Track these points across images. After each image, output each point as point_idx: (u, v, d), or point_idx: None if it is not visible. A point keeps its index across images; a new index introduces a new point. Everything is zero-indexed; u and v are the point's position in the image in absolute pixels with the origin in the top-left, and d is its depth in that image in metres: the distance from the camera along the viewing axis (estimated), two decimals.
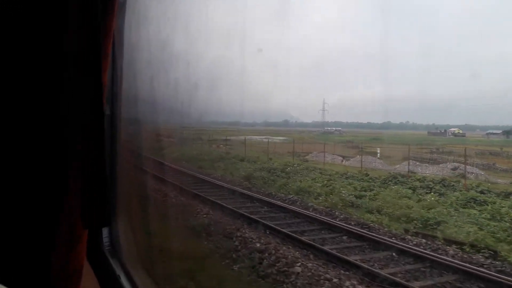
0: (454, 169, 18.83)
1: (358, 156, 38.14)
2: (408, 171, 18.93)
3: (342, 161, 29.05)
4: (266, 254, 7.45)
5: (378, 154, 25.53)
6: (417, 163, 30.29)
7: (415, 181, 15.81)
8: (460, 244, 8.56)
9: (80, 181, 1.34)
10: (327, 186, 14.94)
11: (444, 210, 11.46)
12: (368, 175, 17.34)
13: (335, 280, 6.40)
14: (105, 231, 2.74)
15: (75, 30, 1.30)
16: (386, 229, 9.84)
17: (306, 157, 29.28)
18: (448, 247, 8.28)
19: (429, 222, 10.32)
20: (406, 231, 9.69)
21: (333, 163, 26.09)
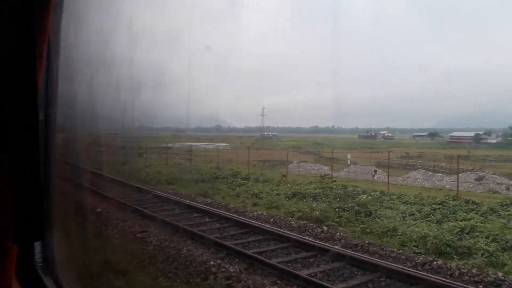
0: (479, 179, 18.32)
1: (351, 166, 38.41)
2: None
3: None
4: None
5: (349, 161, 26.26)
6: (430, 172, 30.82)
7: None
8: None
9: (11, 191, 1.25)
10: None
11: None
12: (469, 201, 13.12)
13: None
14: (37, 246, 2.55)
15: (8, 29, 1.22)
16: None
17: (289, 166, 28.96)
18: None
19: None
20: None
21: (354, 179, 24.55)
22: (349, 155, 48.25)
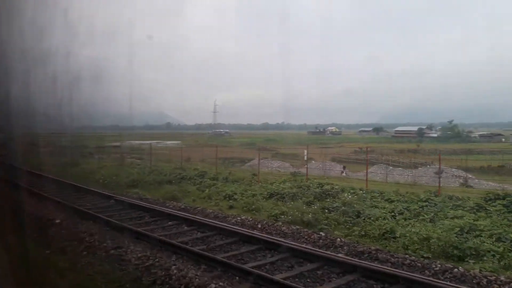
0: (439, 172, 18.45)
1: (313, 161, 37.65)
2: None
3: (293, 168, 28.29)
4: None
5: (305, 157, 25.68)
6: (390, 167, 30.79)
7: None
8: None
9: None
10: None
11: None
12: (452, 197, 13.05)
13: None
14: None
15: None
16: None
17: (249, 163, 27.75)
18: None
19: None
20: None
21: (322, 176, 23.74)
22: (305, 151, 48.03)
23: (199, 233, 9.70)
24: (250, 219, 10.86)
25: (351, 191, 14.39)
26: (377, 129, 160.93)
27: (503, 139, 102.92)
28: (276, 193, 14.44)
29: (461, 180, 25.09)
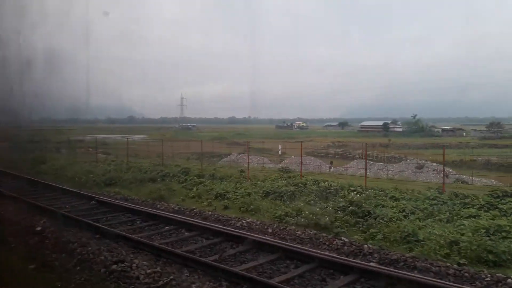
0: (420, 167, 17.99)
1: (293, 156, 36.43)
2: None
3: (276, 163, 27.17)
4: None
5: (280, 152, 24.79)
6: (371, 162, 30.07)
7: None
8: None
9: None
10: None
11: None
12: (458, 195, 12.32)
13: None
14: None
15: None
16: None
17: (225, 159, 26.41)
18: None
19: None
20: None
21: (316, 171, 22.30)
22: (280, 146, 47.74)
23: (204, 240, 8.64)
24: (258, 222, 9.90)
25: (351, 188, 13.72)
26: (343, 124, 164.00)
27: (464, 134, 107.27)
28: (272, 192, 13.54)
29: (441, 175, 25.11)
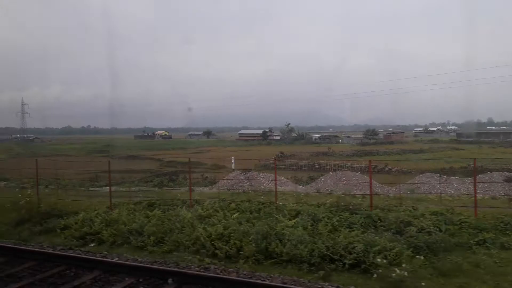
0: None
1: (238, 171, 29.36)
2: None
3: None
4: None
5: (233, 165, 20.71)
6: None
7: None
8: None
9: None
10: None
11: None
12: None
13: None
14: None
15: None
16: None
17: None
18: None
19: None
20: None
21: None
22: (232, 159, 40.02)
23: None
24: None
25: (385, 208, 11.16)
26: (207, 133, 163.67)
27: (340, 140, 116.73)
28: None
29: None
